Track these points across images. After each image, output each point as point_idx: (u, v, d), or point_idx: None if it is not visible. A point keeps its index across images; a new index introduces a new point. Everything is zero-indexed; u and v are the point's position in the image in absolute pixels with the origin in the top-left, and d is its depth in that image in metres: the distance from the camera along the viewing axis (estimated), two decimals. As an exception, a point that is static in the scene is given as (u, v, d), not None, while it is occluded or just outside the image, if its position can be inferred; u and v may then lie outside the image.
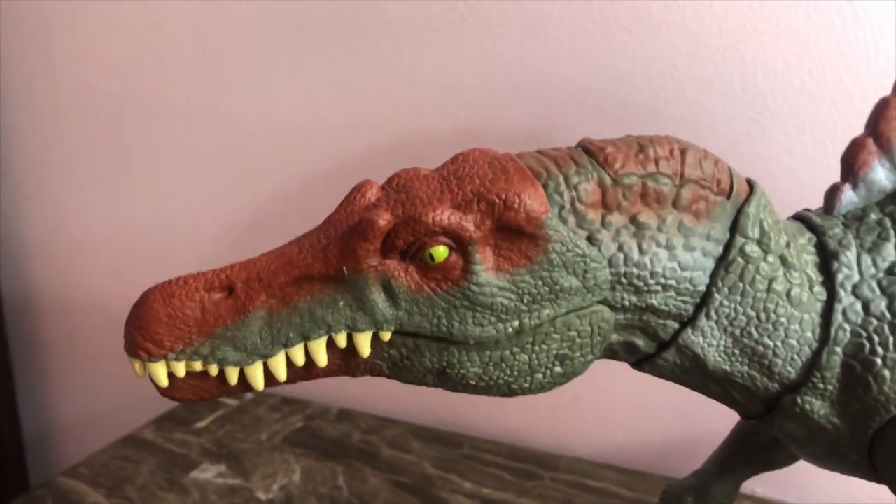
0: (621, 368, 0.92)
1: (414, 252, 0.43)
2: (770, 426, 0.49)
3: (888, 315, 0.45)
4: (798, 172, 0.80)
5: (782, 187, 0.77)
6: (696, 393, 0.89)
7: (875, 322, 0.45)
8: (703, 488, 0.61)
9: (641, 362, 0.49)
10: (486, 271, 0.44)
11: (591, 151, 0.46)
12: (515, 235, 0.44)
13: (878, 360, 0.45)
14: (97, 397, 1.27)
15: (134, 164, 1.15)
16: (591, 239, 0.44)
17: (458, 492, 0.87)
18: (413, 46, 0.93)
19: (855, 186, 0.48)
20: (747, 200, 0.46)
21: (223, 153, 1.08)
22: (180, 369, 0.44)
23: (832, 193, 0.49)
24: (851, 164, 0.48)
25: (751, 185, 0.48)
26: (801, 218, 0.50)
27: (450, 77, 0.92)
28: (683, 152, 0.46)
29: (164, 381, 0.45)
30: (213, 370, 0.44)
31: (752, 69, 0.80)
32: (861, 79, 0.77)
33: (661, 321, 0.46)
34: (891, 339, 0.45)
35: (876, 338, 0.45)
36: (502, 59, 0.89)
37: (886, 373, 0.45)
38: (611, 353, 0.48)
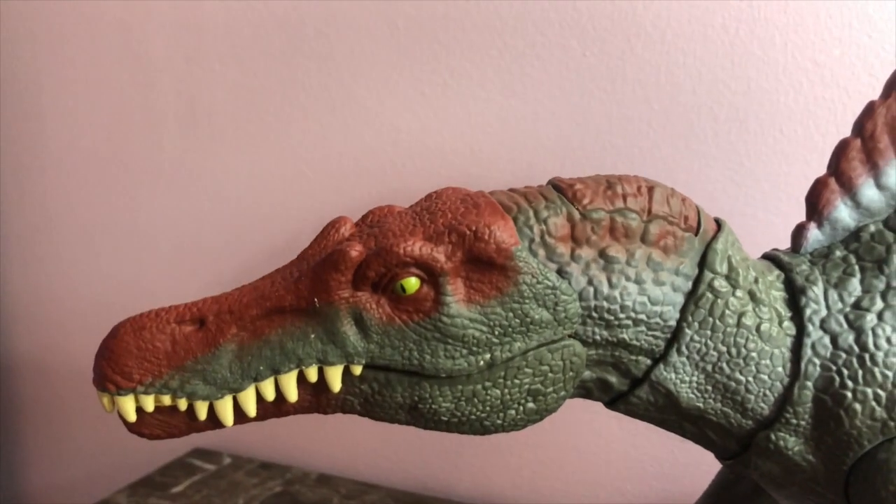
0: (605, 430, 0.92)
1: (385, 284, 0.44)
2: (746, 466, 0.49)
3: (856, 348, 0.45)
4: (774, 228, 0.81)
5: (759, 243, 0.78)
6: (681, 456, 0.89)
7: (844, 356, 0.45)
8: (685, 540, 0.60)
9: (616, 401, 0.49)
10: (458, 303, 0.44)
11: (560, 188, 0.47)
12: (486, 267, 0.44)
13: (849, 394, 0.45)
14: (72, 464, 1.24)
15: (118, 226, 1.15)
16: (561, 272, 0.45)
17: (438, 556, 0.85)
18: (397, 107, 0.95)
19: (820, 225, 0.49)
20: (715, 237, 0.47)
21: (208, 215, 1.09)
22: (149, 403, 0.44)
23: (798, 232, 0.50)
24: (815, 204, 0.49)
25: (718, 223, 0.49)
26: (769, 257, 0.51)
27: (432, 137, 0.94)
28: (651, 189, 0.47)
29: (132, 416, 0.44)
30: (182, 405, 0.44)
31: (726, 128, 0.82)
32: (830, 137, 0.79)
33: (633, 357, 0.46)
34: (860, 373, 0.45)
35: (845, 371, 0.45)
36: (484, 120, 0.91)
37: (857, 406, 0.44)
38: (584, 391, 0.48)
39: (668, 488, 0.90)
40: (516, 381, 0.45)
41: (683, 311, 0.46)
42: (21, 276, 1.24)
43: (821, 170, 0.79)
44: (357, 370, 0.44)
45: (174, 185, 1.11)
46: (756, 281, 0.47)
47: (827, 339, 0.46)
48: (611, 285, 0.45)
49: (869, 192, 0.48)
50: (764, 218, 0.82)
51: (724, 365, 0.46)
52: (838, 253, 0.48)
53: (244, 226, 1.07)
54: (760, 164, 0.81)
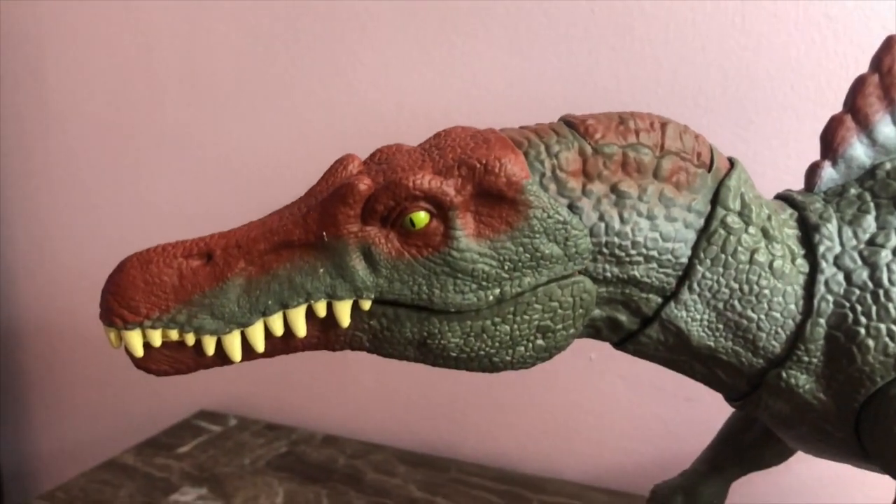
0: (609, 389, 0.92)
1: (394, 218, 0.43)
2: (756, 406, 0.48)
3: (870, 284, 0.45)
4: (783, 185, 0.79)
5: (768, 200, 0.78)
6: (685, 414, 0.89)
7: (858, 292, 0.45)
8: (691, 488, 0.60)
9: (625, 341, 0.48)
10: (467, 237, 0.43)
11: (572, 124, 0.46)
12: (496, 201, 0.43)
13: (862, 330, 0.44)
14: (79, 425, 1.25)
15: (122, 190, 1.15)
16: (572, 207, 0.44)
17: (444, 513, 0.85)
18: (401, 68, 0.94)
19: (834, 163, 0.49)
20: (728, 174, 0.46)
21: (212, 179, 1.09)
22: (156, 338, 0.43)
23: (812, 171, 0.49)
24: (830, 142, 0.49)
25: (731, 161, 0.48)
26: (783, 196, 0.50)
27: (437, 99, 0.93)
28: (664, 125, 0.46)
29: (139, 351, 0.44)
30: (190, 339, 0.44)
31: (735, 85, 0.81)
32: (842, 93, 0.77)
33: (644, 295, 0.46)
34: (874, 309, 0.44)
35: (859, 307, 0.44)
36: (489, 80, 0.91)
37: (870, 342, 0.44)
38: (594, 330, 0.48)
39: (672, 447, 0.90)
40: (525, 317, 0.45)
41: (695, 247, 0.45)
42: (25, 241, 1.24)
43: (832, 125, 0.79)
44: (366, 305, 0.44)
45: (177, 149, 1.10)
46: (769, 218, 0.46)
47: (840, 276, 0.45)
48: (622, 221, 0.44)
49: (885, 129, 0.48)
50: (773, 175, 0.81)
51: (736, 302, 0.45)
52: (853, 191, 0.48)
53: (248, 189, 1.07)
54: (770, 120, 0.80)
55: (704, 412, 0.86)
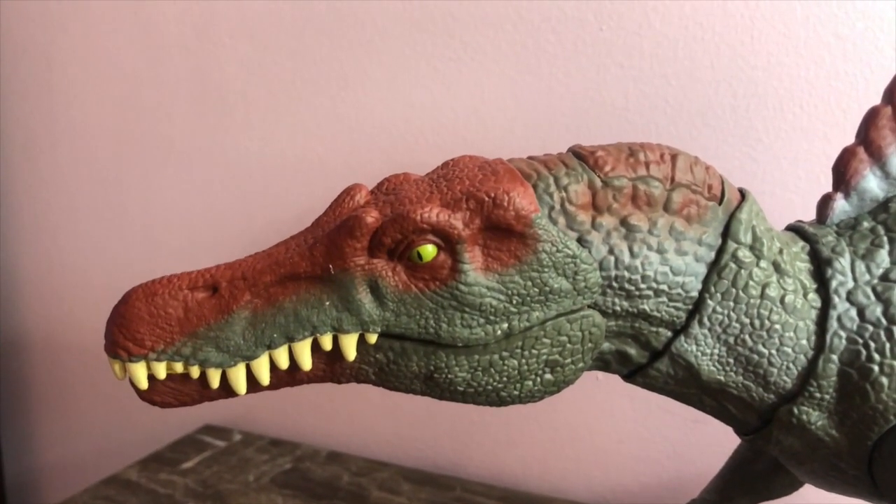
0: (617, 409, 0.91)
1: (402, 251, 0.43)
2: (767, 441, 0.48)
3: (884, 321, 0.44)
4: (792, 206, 0.80)
5: (778, 222, 0.77)
6: (693, 436, 0.88)
7: (871, 328, 0.44)
8: (700, 518, 0.59)
9: (634, 374, 0.48)
10: (475, 271, 0.43)
11: (581, 155, 0.46)
12: (505, 235, 0.43)
13: (876, 368, 0.44)
14: (82, 440, 1.24)
15: (128, 203, 1.15)
16: (581, 240, 0.44)
17: (448, 533, 0.85)
18: (409, 83, 0.94)
19: (847, 195, 0.48)
20: (739, 206, 0.46)
21: (219, 191, 1.09)
22: (161, 370, 0.43)
23: (824, 203, 0.49)
24: (843, 174, 0.48)
25: (742, 193, 0.47)
26: (794, 228, 0.50)
27: (445, 113, 0.93)
28: (674, 157, 0.46)
29: (144, 384, 0.43)
30: (195, 372, 0.43)
31: (745, 104, 0.80)
32: (852, 113, 0.77)
33: (654, 328, 0.45)
34: (887, 346, 0.44)
35: (872, 344, 0.44)
36: (497, 96, 0.90)
37: (884, 380, 0.43)
38: (603, 363, 0.47)
39: (680, 468, 0.89)
40: (534, 352, 0.44)
41: (706, 281, 0.45)
42: (31, 252, 1.24)
43: (842, 146, 0.78)
44: (372, 338, 0.44)
45: (184, 161, 1.10)
46: (780, 252, 0.46)
47: (854, 312, 0.45)
48: (632, 254, 0.44)
49: (899, 162, 0.47)
50: (782, 196, 0.80)
51: (747, 337, 0.45)
52: (866, 224, 0.47)
53: (255, 202, 1.07)
54: (779, 140, 0.80)
55: (712, 434, 0.85)
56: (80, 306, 1.21)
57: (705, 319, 0.45)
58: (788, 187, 0.80)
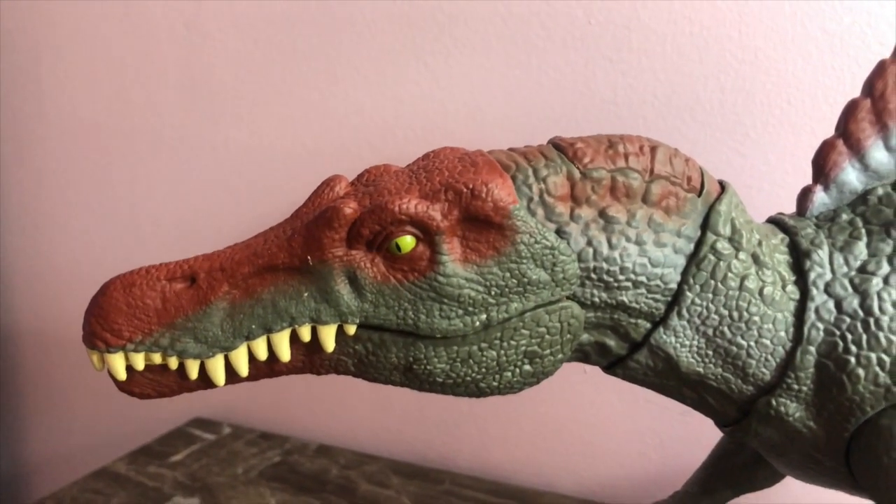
0: (604, 402, 0.91)
1: (380, 242, 0.43)
2: (746, 432, 0.48)
3: (861, 313, 0.44)
4: (780, 201, 0.80)
5: (763, 216, 0.77)
6: (679, 429, 0.88)
7: (848, 320, 0.44)
8: (682, 510, 0.59)
9: (614, 366, 0.48)
10: (454, 262, 0.43)
11: (560, 147, 0.46)
12: (483, 226, 0.43)
13: (852, 359, 0.44)
14: (72, 433, 1.24)
15: (117, 196, 1.15)
16: (560, 232, 0.44)
17: (436, 526, 0.85)
18: (399, 77, 0.94)
19: (826, 188, 0.48)
20: (718, 198, 0.46)
21: (209, 185, 1.08)
22: (139, 361, 0.43)
23: (804, 196, 0.49)
24: (822, 166, 0.48)
25: (722, 185, 0.47)
26: (774, 220, 0.50)
27: (434, 107, 0.93)
28: (654, 149, 0.46)
29: (122, 375, 0.43)
30: (173, 363, 0.43)
31: (733, 98, 0.80)
32: (839, 108, 0.76)
33: (633, 320, 0.45)
34: (864, 338, 0.44)
35: (849, 336, 0.44)
36: (486, 90, 0.90)
37: (860, 371, 0.44)
38: (582, 354, 0.47)
39: (666, 461, 0.89)
40: (513, 343, 0.44)
41: (685, 273, 0.45)
42: (20, 246, 1.23)
43: (829, 140, 0.78)
44: (351, 330, 0.44)
45: (174, 156, 1.10)
46: (759, 244, 0.46)
47: (831, 304, 0.45)
48: (610, 246, 0.44)
49: (878, 155, 0.47)
50: (770, 190, 0.80)
51: (726, 329, 0.45)
52: (845, 216, 0.47)
53: (245, 195, 1.06)
54: (767, 135, 0.80)
55: (698, 427, 0.85)
56: (69, 300, 1.21)
57: (684, 311, 0.45)
58: (776, 181, 0.80)
